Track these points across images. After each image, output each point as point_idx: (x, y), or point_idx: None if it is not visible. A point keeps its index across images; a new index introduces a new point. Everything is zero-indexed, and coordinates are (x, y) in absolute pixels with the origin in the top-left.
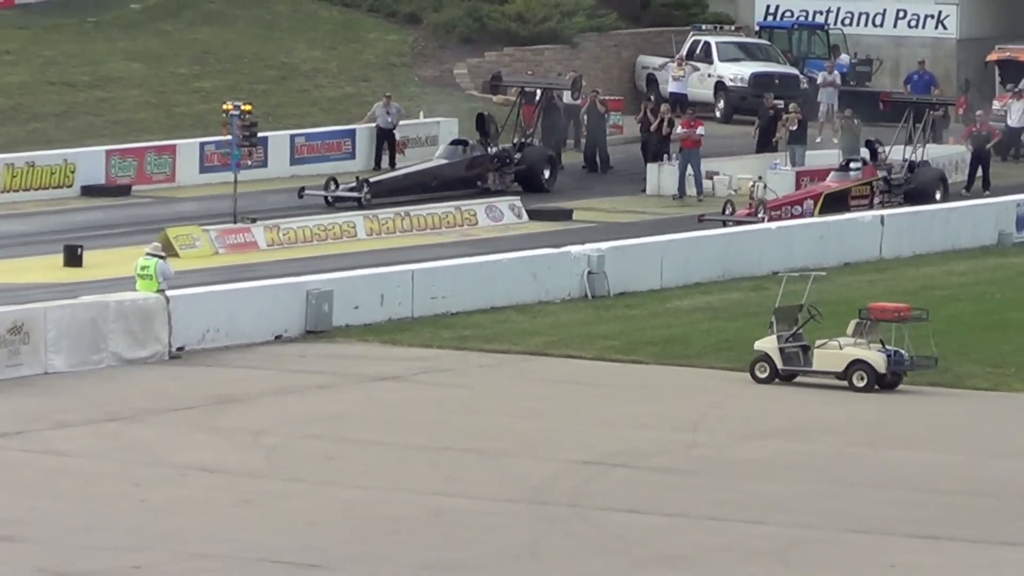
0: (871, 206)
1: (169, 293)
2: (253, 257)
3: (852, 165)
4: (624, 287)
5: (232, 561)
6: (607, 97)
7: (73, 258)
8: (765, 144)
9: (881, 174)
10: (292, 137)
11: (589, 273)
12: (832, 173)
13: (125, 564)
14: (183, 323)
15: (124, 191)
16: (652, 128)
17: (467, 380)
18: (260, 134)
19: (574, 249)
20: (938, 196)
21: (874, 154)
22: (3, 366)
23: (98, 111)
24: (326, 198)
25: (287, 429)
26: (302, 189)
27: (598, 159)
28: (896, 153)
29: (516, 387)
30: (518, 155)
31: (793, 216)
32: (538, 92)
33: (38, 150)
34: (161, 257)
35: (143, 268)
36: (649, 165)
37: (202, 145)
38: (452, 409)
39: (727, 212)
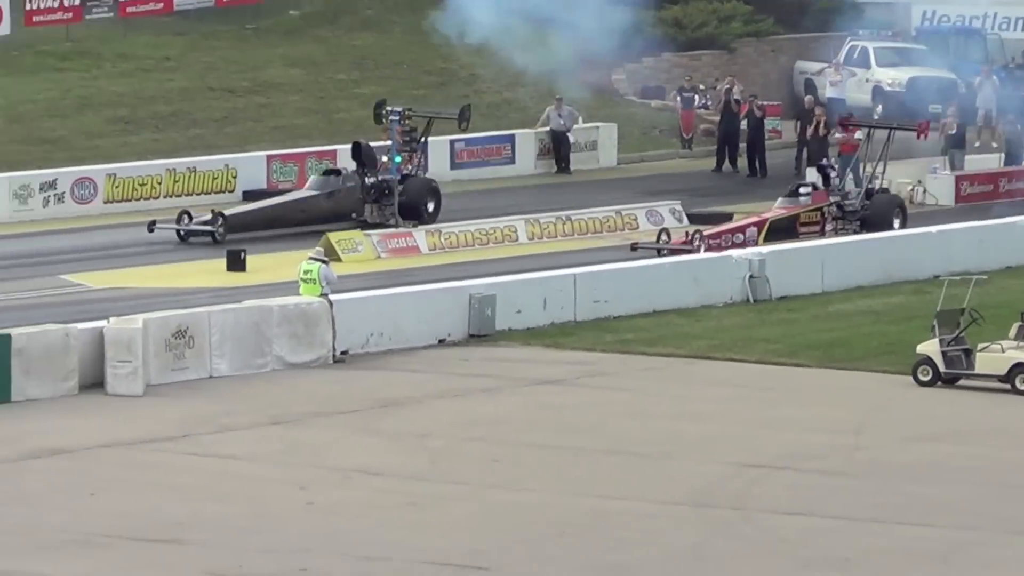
0: (822, 233)
1: (332, 297)
2: (415, 261)
3: (802, 191)
4: (785, 291)
5: (398, 564)
6: (765, 103)
7: (236, 262)
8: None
9: (833, 199)
10: (452, 143)
11: (751, 277)
12: (779, 199)
13: (292, 566)
14: (346, 327)
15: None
16: (809, 134)
17: (629, 384)
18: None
19: (735, 253)
20: (896, 224)
21: (826, 179)
22: (168, 370)
23: (258, 116)
24: (178, 231)
25: (451, 432)
26: (152, 223)
27: (757, 164)
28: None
29: (678, 390)
30: (400, 187)
31: (734, 245)
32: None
33: (199, 155)
34: (324, 261)
35: (306, 272)
36: (809, 169)
37: None
38: (615, 412)
39: (661, 240)
